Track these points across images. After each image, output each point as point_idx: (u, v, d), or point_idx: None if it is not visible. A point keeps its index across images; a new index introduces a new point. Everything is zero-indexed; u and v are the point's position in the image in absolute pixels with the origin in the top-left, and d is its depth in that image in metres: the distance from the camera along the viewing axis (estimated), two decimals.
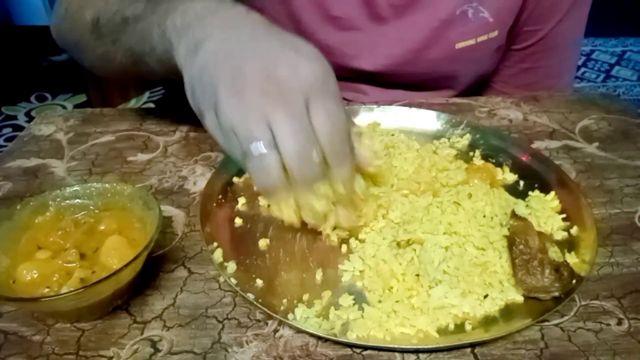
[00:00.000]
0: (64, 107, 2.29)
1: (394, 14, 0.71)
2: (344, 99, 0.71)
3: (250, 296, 0.42)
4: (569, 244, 0.48)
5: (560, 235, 0.49)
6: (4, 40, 2.54)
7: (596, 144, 0.64)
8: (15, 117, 2.24)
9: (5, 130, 2.15)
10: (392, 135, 0.63)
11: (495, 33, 0.74)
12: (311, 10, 0.72)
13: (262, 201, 0.52)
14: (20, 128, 2.15)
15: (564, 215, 0.51)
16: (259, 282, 0.44)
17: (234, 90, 0.39)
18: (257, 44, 0.42)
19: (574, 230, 0.49)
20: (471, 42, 0.74)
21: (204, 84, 0.42)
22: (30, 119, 2.20)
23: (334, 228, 0.48)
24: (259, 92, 0.39)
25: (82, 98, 2.29)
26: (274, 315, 0.41)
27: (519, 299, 0.42)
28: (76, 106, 2.28)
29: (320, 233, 0.49)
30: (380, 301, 0.42)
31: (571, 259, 0.46)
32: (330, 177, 0.42)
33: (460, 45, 0.74)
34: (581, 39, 0.83)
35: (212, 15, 0.45)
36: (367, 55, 0.75)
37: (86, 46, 0.64)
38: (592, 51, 2.62)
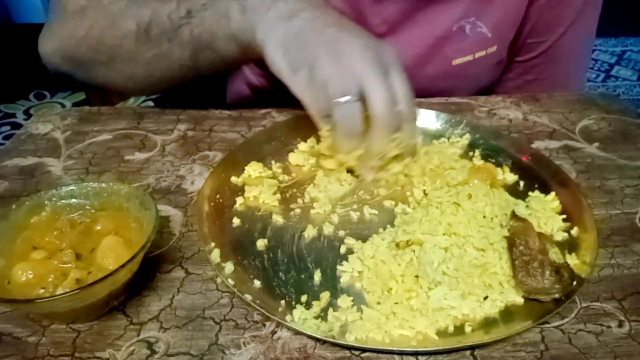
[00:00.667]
0: (62, 105, 2.28)
1: (388, 31, 0.71)
2: None
3: (248, 297, 0.41)
4: (569, 245, 0.48)
5: (560, 236, 0.49)
6: (2, 38, 2.54)
7: (596, 144, 0.63)
8: (14, 115, 2.24)
9: (3, 128, 2.14)
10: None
11: (494, 48, 0.73)
12: None
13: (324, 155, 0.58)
14: (18, 126, 2.14)
15: (564, 216, 0.50)
16: (257, 283, 0.44)
17: (334, 50, 0.48)
18: (347, 23, 0.52)
19: (574, 231, 0.49)
20: (469, 57, 0.73)
21: (301, 43, 0.50)
22: (29, 117, 2.20)
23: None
24: (358, 55, 0.48)
25: (81, 96, 2.28)
26: (272, 316, 0.40)
27: (519, 300, 0.42)
28: (75, 104, 2.28)
29: (319, 234, 0.48)
30: (379, 303, 0.42)
31: (572, 260, 0.45)
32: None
33: (457, 61, 0.73)
34: (592, 42, 0.82)
35: None
36: None
37: (127, 57, 0.63)
38: (592, 51, 2.61)
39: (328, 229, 0.50)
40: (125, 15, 0.61)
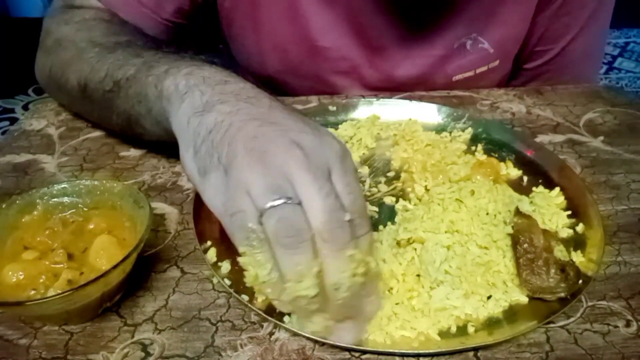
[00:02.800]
0: None
1: (387, 46, 0.70)
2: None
3: (245, 297, 0.40)
4: (575, 242, 0.46)
5: (565, 232, 0.47)
6: (1, 32, 2.52)
7: (601, 137, 0.62)
8: (12, 110, 2.22)
9: (2, 124, 2.13)
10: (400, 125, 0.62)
11: (496, 63, 0.72)
12: (296, 41, 0.70)
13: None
14: (17, 121, 2.13)
15: (569, 212, 0.49)
16: None
17: (255, 149, 0.36)
18: (278, 114, 0.40)
19: (580, 228, 0.48)
20: (469, 73, 0.72)
21: (214, 142, 0.38)
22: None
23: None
24: (284, 153, 0.36)
25: None
26: (269, 317, 0.39)
27: (523, 299, 0.41)
28: None
29: None
30: None
31: (577, 257, 0.44)
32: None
33: (457, 77, 0.72)
34: (606, 37, 0.80)
35: (223, 84, 0.43)
36: (357, 86, 0.74)
37: (79, 109, 0.64)
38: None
39: None
40: (70, 67, 0.58)
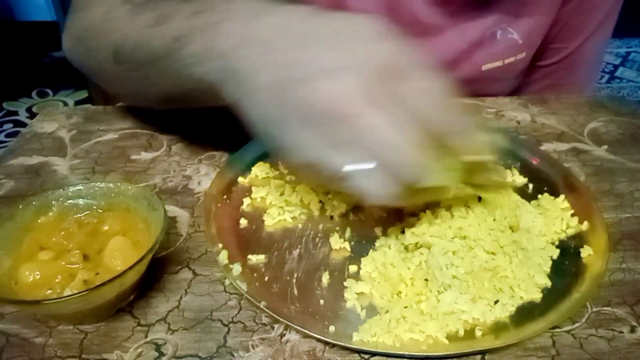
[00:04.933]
0: (65, 104, 2.28)
1: (420, 32, 0.69)
2: None
3: (256, 300, 0.41)
4: (582, 239, 0.48)
5: (573, 231, 0.49)
6: (6, 36, 2.54)
7: (605, 146, 0.63)
8: (16, 113, 2.24)
9: (6, 126, 2.14)
10: None
11: (523, 54, 0.73)
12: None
13: None
14: (21, 124, 2.14)
15: (572, 212, 0.51)
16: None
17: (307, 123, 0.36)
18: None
19: (585, 227, 0.49)
20: (498, 63, 0.72)
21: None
22: (31, 114, 2.20)
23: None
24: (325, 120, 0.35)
25: (83, 94, 2.28)
26: (281, 319, 0.40)
27: (530, 305, 0.42)
28: (77, 102, 2.28)
29: (327, 235, 0.48)
30: (388, 306, 0.42)
31: (586, 251, 0.46)
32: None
33: (486, 67, 0.72)
34: (607, 45, 0.82)
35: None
36: None
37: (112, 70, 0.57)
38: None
39: (336, 231, 0.49)
40: (104, 28, 0.54)
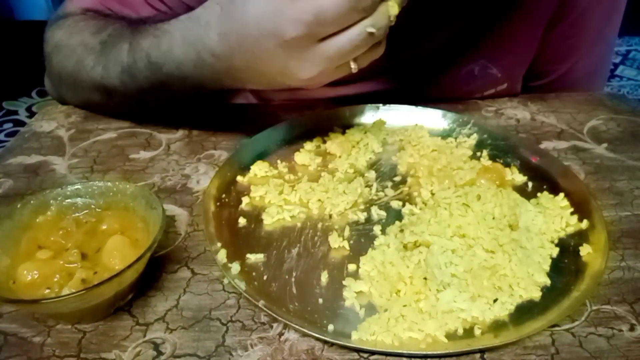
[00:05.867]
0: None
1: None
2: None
3: (254, 299, 0.41)
4: (582, 236, 0.48)
5: (573, 229, 0.49)
6: (5, 35, 2.53)
7: (605, 144, 0.63)
8: (16, 112, 2.24)
9: (6, 126, 2.14)
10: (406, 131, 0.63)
11: (504, 86, 0.72)
12: None
13: None
14: (21, 123, 2.14)
15: (572, 210, 0.50)
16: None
17: None
18: None
19: (585, 225, 0.49)
20: (477, 95, 0.72)
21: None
22: (31, 114, 2.20)
23: None
24: None
25: None
26: (279, 318, 0.40)
27: (529, 303, 0.42)
28: None
29: (326, 234, 0.48)
30: (387, 305, 0.41)
31: (585, 249, 0.46)
32: None
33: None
34: (614, 44, 0.80)
35: None
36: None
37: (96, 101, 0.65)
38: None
39: (335, 230, 0.49)
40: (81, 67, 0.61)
